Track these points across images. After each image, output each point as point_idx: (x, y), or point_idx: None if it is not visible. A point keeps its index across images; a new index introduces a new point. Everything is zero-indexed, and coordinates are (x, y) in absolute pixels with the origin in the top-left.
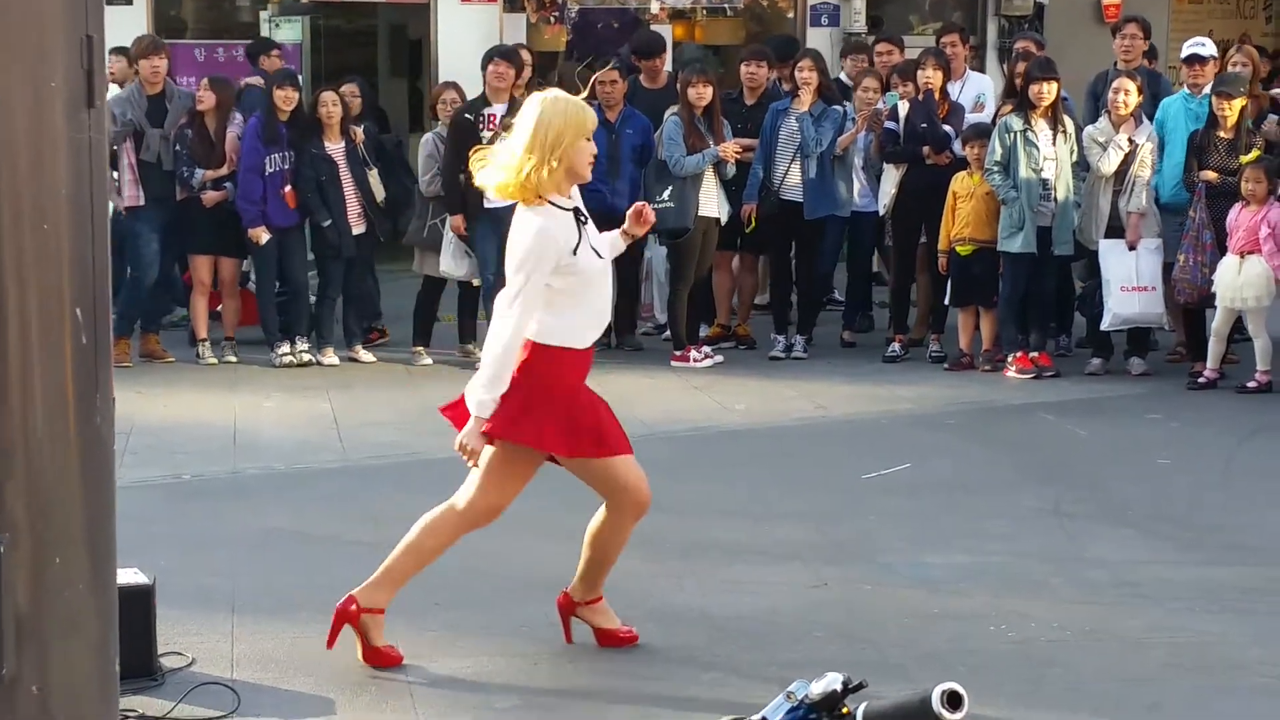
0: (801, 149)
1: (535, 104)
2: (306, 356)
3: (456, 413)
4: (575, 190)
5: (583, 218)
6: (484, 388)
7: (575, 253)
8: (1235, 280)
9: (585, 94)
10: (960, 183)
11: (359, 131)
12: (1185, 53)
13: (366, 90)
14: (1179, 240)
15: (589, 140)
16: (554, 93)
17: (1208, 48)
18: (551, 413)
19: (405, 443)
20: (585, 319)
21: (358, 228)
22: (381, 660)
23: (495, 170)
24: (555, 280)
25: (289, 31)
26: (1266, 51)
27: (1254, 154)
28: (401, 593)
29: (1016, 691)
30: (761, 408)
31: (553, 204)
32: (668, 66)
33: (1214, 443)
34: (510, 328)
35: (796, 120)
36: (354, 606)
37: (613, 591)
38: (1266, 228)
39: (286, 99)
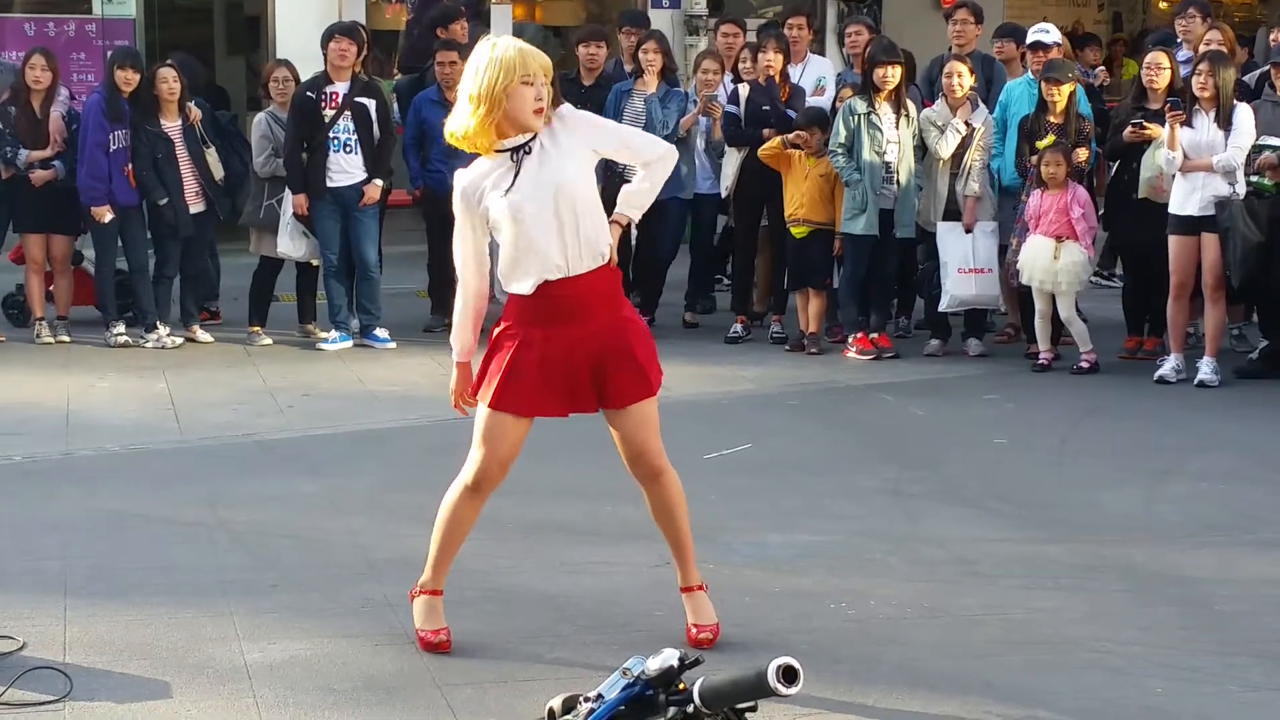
0: (647, 130)
1: (475, 51)
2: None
3: None
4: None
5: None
6: None
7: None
8: (1052, 265)
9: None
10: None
11: (195, 109)
12: (1029, 39)
13: (201, 68)
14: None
15: (529, 85)
16: (494, 38)
17: (1051, 34)
18: None
19: (243, 423)
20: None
21: (195, 206)
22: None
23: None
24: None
25: (122, 7)
26: (1099, 39)
27: (1049, 139)
28: (237, 574)
29: (854, 668)
30: None
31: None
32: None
33: (1048, 423)
34: None
35: (643, 101)
36: None
37: (452, 572)
38: (1079, 208)
39: (127, 80)
